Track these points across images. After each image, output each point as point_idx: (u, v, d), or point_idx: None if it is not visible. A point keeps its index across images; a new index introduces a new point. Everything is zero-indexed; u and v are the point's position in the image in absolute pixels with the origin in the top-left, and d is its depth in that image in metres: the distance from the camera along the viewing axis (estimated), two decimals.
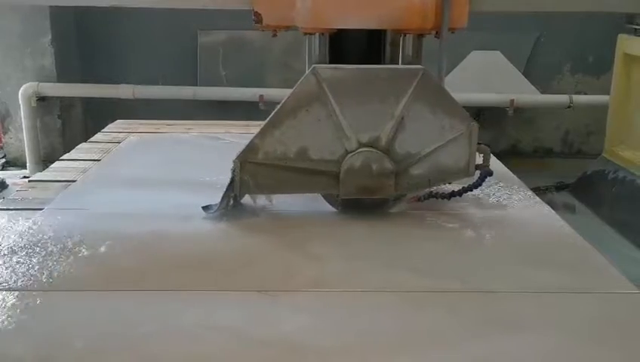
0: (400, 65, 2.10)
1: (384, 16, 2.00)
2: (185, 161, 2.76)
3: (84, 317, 1.47)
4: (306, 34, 2.07)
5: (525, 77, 5.87)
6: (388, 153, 1.99)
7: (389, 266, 1.75)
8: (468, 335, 1.42)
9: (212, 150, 2.94)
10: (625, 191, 4.56)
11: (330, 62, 2.09)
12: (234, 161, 1.99)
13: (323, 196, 2.11)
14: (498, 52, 5.81)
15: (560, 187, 5.17)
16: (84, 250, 1.81)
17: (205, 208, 2.06)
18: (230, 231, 1.99)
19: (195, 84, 5.89)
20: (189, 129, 3.38)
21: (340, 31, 2.09)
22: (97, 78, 5.71)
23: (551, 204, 2.34)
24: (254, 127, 3.43)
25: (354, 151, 1.99)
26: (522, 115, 5.95)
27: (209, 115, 4.59)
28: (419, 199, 2.13)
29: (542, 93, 5.85)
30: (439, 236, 1.99)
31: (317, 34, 2.05)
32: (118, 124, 3.47)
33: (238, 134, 3.22)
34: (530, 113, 6.07)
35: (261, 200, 2.10)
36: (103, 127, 3.39)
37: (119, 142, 3.04)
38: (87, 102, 5.90)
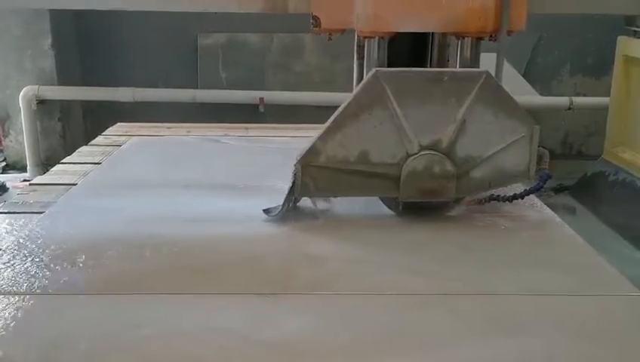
0: (462, 69, 2.11)
1: (445, 19, 2.01)
2: (186, 163, 2.74)
3: (86, 320, 1.46)
4: (365, 38, 2.07)
5: (525, 79, 5.91)
6: (449, 156, 1.99)
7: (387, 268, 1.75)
8: (468, 336, 1.42)
9: (212, 152, 2.93)
10: (625, 193, 4.63)
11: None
12: (295, 165, 1.98)
13: (381, 199, 2.11)
14: None
15: (560, 189, 5.22)
16: (84, 253, 1.78)
17: (266, 211, 2.04)
18: (236, 233, 1.97)
19: (195, 87, 5.88)
20: (189, 131, 3.35)
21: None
22: (97, 80, 5.67)
23: (551, 205, 2.34)
24: (254, 130, 3.48)
25: (415, 154, 1.98)
26: None
27: (209, 117, 4.57)
28: (480, 202, 2.13)
29: (541, 94, 5.91)
30: (439, 239, 1.97)
31: (376, 37, 2.05)
32: (119, 127, 3.43)
33: (238, 136, 3.22)
34: (530, 115, 6.08)
35: (321, 203, 2.11)
36: (103, 130, 3.35)
37: (120, 145, 3.00)
38: (88, 105, 5.86)
